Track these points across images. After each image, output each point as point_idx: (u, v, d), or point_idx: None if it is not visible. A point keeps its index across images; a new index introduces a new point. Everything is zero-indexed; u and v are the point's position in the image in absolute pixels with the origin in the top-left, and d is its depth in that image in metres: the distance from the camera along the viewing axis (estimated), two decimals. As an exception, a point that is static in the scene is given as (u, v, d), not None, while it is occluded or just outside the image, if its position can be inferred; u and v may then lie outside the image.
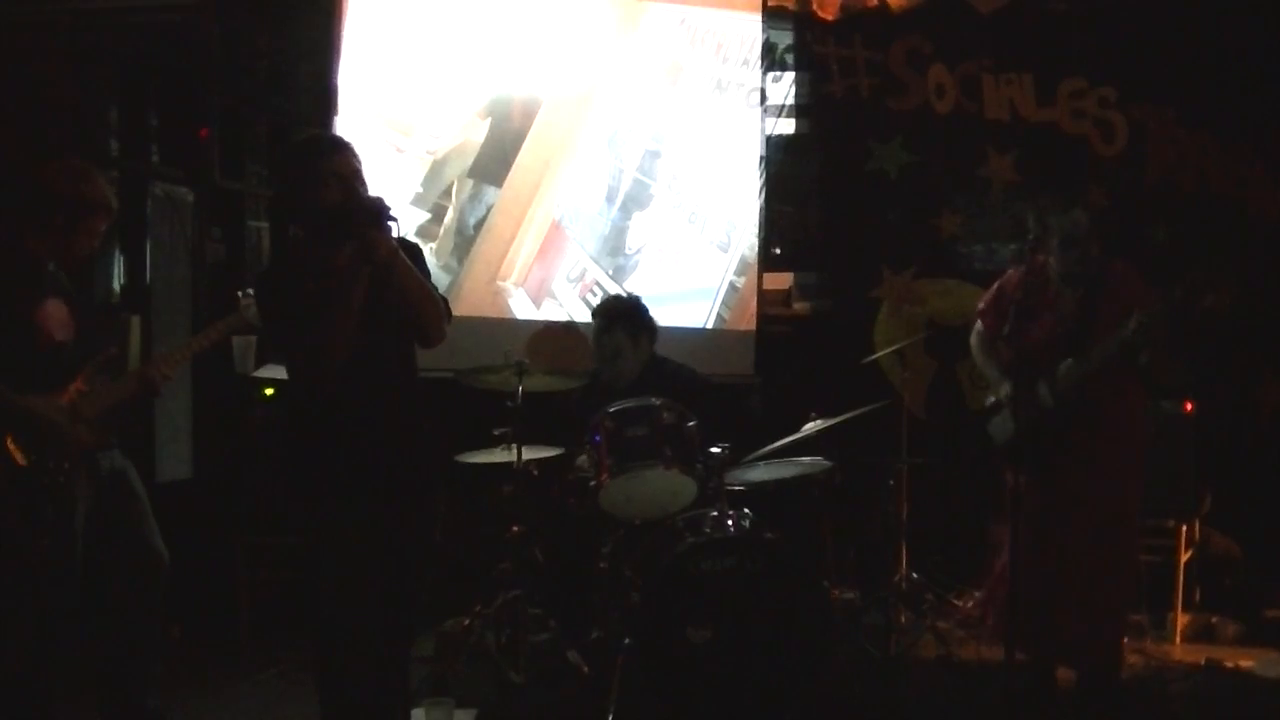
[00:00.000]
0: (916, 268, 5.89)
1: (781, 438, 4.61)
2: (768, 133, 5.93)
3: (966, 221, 5.87)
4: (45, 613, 3.47)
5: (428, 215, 5.82)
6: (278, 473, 4.77)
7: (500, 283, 5.85)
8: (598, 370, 4.77)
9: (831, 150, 6.07)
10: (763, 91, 5.90)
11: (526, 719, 4.17)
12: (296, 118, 5.86)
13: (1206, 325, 5.07)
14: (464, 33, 5.78)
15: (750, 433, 4.79)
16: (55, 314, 3.53)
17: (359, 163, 3.01)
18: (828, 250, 6.12)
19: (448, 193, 5.84)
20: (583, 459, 4.39)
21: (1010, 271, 4.29)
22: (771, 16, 5.91)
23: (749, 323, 5.88)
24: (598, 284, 5.81)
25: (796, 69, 6.02)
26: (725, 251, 5.88)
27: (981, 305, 4.37)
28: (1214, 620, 5.12)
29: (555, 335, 5.61)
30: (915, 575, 5.01)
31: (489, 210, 5.85)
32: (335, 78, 5.71)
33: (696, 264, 5.88)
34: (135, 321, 5.14)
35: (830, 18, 5.88)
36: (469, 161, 5.84)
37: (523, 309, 5.85)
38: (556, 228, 5.88)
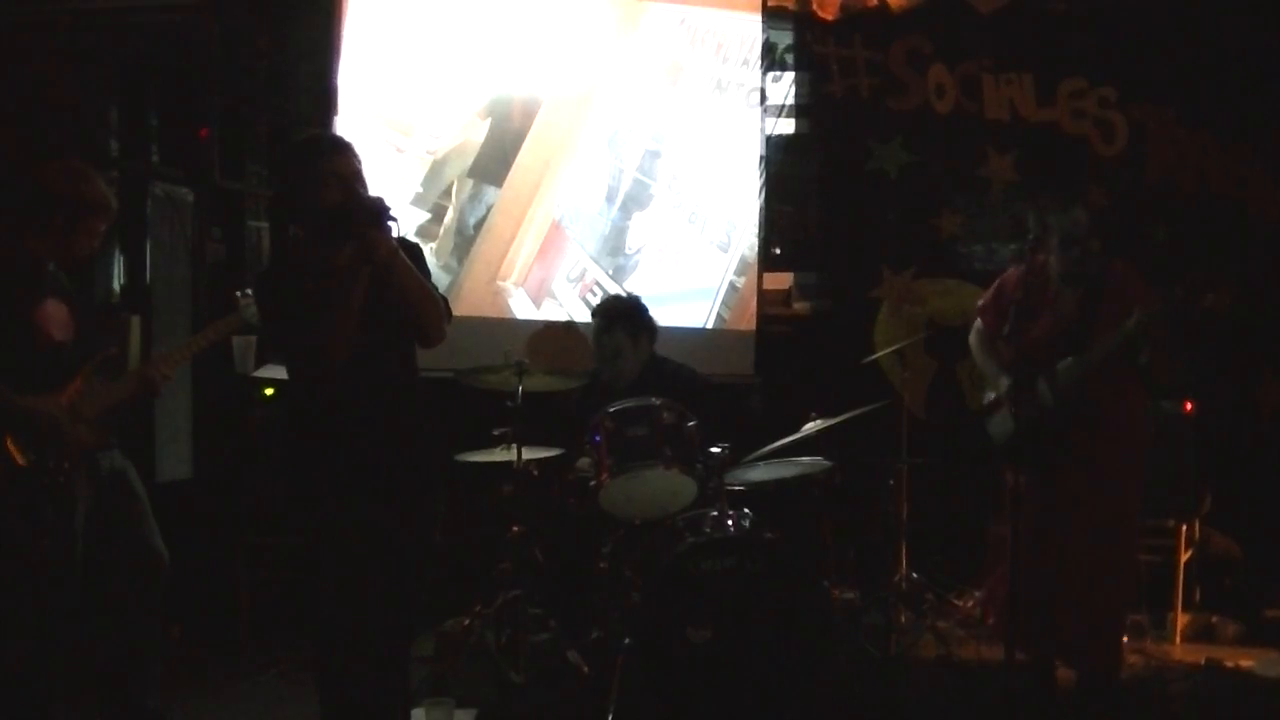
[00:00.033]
0: (916, 268, 5.89)
1: (781, 438, 4.61)
2: (768, 133, 5.93)
3: (966, 221, 5.87)
4: (45, 613, 3.47)
5: (428, 215, 5.82)
6: (278, 473, 4.77)
7: (500, 283, 5.85)
8: (598, 370, 4.77)
9: (831, 150, 6.06)
10: (763, 91, 5.90)
11: (526, 719, 4.17)
12: (296, 118, 5.87)
13: (1206, 325, 5.06)
14: (464, 33, 5.78)
15: (750, 433, 4.78)
16: (55, 314, 3.53)
17: (359, 163, 3.01)
18: (828, 250, 6.12)
19: (448, 193, 5.84)
20: (584, 460, 4.38)
21: (1010, 270, 4.29)
22: (771, 16, 5.91)
23: (749, 323, 5.88)
24: (598, 284, 5.81)
25: (796, 69, 6.02)
26: (725, 251, 5.88)
27: (981, 303, 4.38)
28: (1214, 620, 5.12)
29: (555, 335, 5.61)
30: (915, 575, 5.01)
31: (489, 210, 5.85)
32: (335, 78, 5.72)
33: (696, 264, 5.88)
34: (135, 321, 5.14)
35: (830, 18, 5.88)
36: (469, 161, 5.84)
37: (523, 309, 5.85)
38: (556, 228, 5.88)
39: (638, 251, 5.88)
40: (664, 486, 4.12)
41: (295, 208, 3.04)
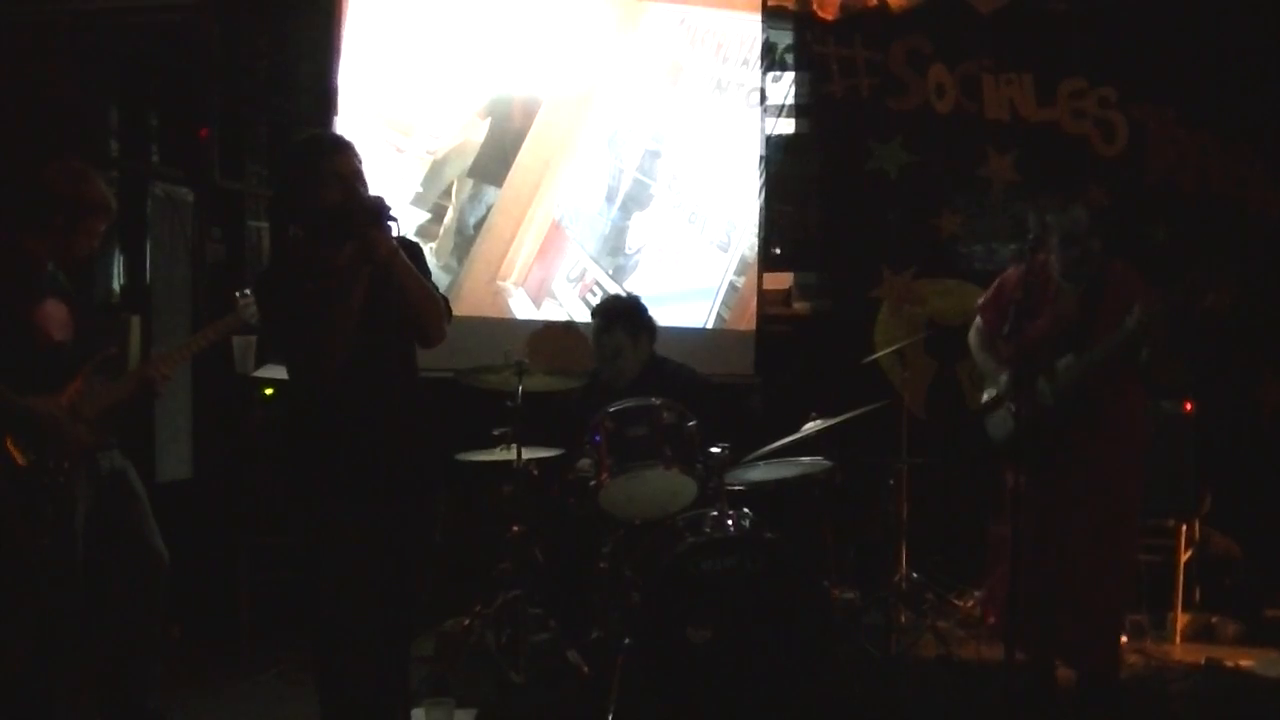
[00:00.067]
0: (916, 268, 5.89)
1: (781, 438, 4.61)
2: (768, 132, 5.93)
3: (966, 221, 5.87)
4: (45, 613, 3.47)
5: (428, 215, 5.82)
6: (278, 473, 4.76)
7: (500, 283, 5.85)
8: (598, 370, 4.77)
9: (831, 150, 6.06)
10: (763, 91, 5.90)
11: (526, 719, 4.17)
12: (296, 118, 5.86)
13: (1206, 325, 5.07)
14: (464, 33, 5.78)
15: (750, 433, 4.79)
16: (54, 314, 3.53)
17: (359, 162, 3.01)
18: (828, 250, 6.12)
19: (448, 193, 5.84)
20: (584, 461, 4.38)
21: (1010, 270, 4.29)
22: (771, 16, 5.91)
23: (749, 323, 5.88)
24: (598, 284, 5.81)
25: (796, 69, 6.02)
26: (725, 251, 5.88)
27: (981, 301, 4.38)
28: (1214, 620, 5.12)
29: (555, 335, 5.61)
30: (915, 575, 5.02)
31: (489, 210, 5.85)
32: (335, 78, 5.71)
33: (696, 264, 5.88)
34: (135, 321, 5.14)
35: (830, 18, 5.88)
36: (469, 161, 5.84)
37: (523, 309, 5.85)
38: (556, 228, 5.88)
39: (638, 251, 5.88)
40: (664, 486, 4.12)
41: (295, 207, 3.04)
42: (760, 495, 4.45)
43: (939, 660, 4.64)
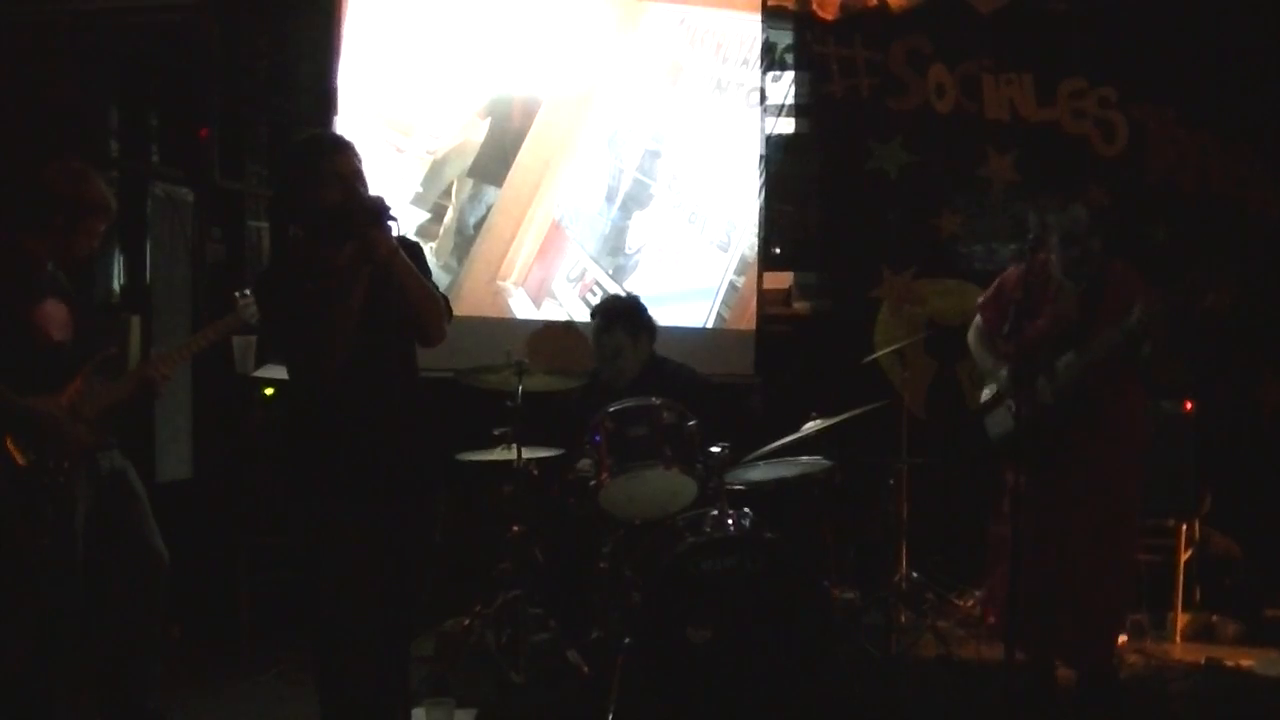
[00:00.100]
0: (916, 268, 5.88)
1: (781, 437, 4.61)
2: (767, 132, 5.93)
3: (966, 221, 5.87)
4: (45, 613, 3.47)
5: (428, 215, 5.82)
6: (278, 473, 4.76)
7: (500, 282, 5.85)
8: (597, 370, 4.77)
9: (831, 150, 6.06)
10: (762, 91, 5.90)
11: (526, 719, 4.17)
12: (296, 118, 5.86)
13: (1206, 325, 5.07)
14: (464, 33, 5.78)
15: (750, 432, 4.79)
16: (54, 314, 3.53)
17: (360, 162, 3.01)
18: (828, 250, 6.12)
19: (448, 192, 5.84)
20: (585, 461, 4.38)
21: (1010, 269, 4.29)
22: (771, 16, 5.91)
23: (749, 322, 5.88)
24: (598, 284, 5.81)
25: (796, 69, 6.02)
26: (725, 251, 5.88)
27: (982, 300, 4.39)
28: (1214, 619, 5.12)
29: (555, 335, 5.61)
30: (915, 575, 5.02)
31: (489, 210, 5.85)
32: (335, 78, 5.72)
33: (696, 264, 5.88)
34: (135, 321, 5.14)
35: (830, 17, 5.88)
36: (469, 161, 5.84)
37: (523, 309, 5.85)
38: (556, 227, 5.88)
39: (638, 251, 5.88)
40: (664, 486, 4.12)
41: (295, 207, 3.04)
42: (760, 495, 4.45)
43: (939, 660, 4.64)
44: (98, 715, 3.71)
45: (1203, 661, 4.71)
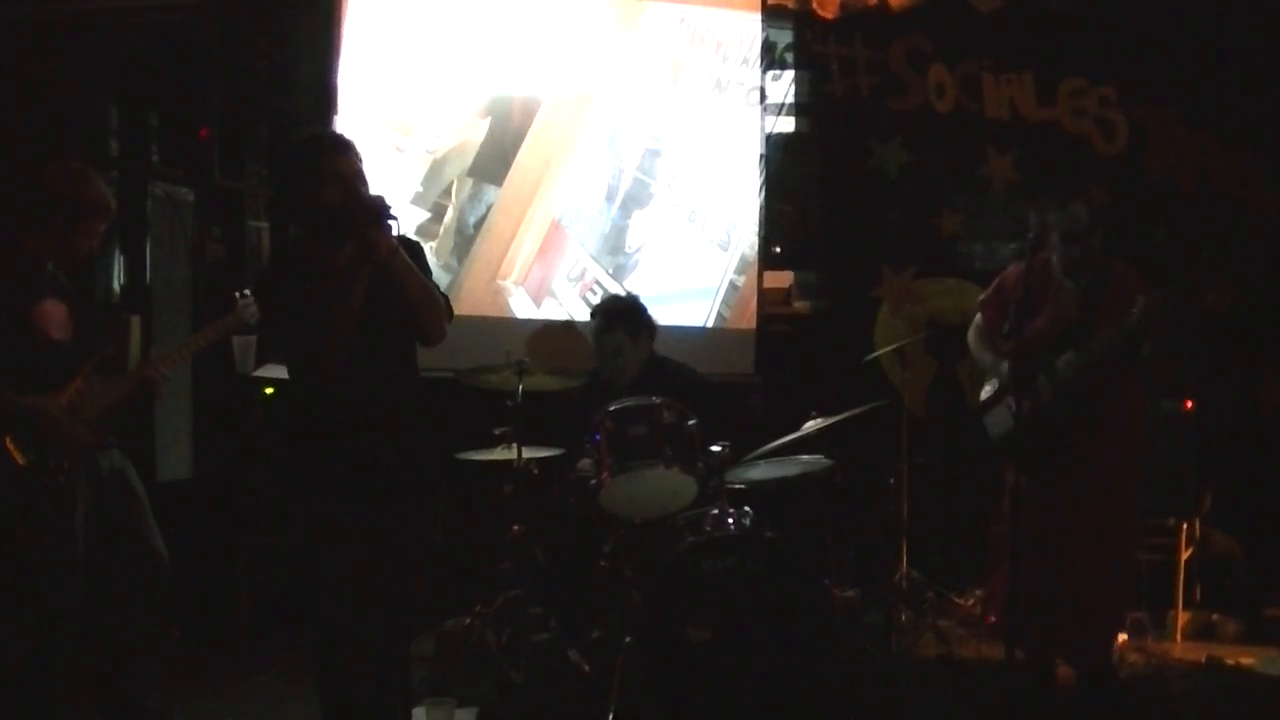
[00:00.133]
0: (916, 267, 5.89)
1: (781, 437, 4.61)
2: (767, 131, 5.93)
3: (966, 221, 5.87)
4: (45, 613, 3.47)
5: (428, 214, 5.82)
6: (278, 473, 4.77)
7: (500, 282, 5.85)
8: (598, 370, 4.77)
9: (831, 150, 6.06)
10: (762, 90, 5.90)
11: (526, 719, 4.17)
12: (296, 118, 5.86)
13: (1206, 325, 5.07)
14: (464, 33, 5.78)
15: (750, 432, 4.78)
16: (54, 314, 3.54)
17: (360, 162, 3.01)
18: (828, 249, 6.12)
19: (448, 192, 5.84)
20: (585, 461, 4.38)
21: (1011, 268, 4.29)
22: (771, 15, 5.91)
23: (749, 322, 5.88)
24: (598, 283, 5.81)
25: (796, 68, 6.02)
26: (725, 250, 5.88)
27: (982, 299, 4.39)
28: (1214, 618, 5.12)
29: (555, 335, 5.60)
30: (916, 574, 5.02)
31: (489, 209, 5.85)
32: (335, 78, 5.71)
33: (696, 263, 5.88)
34: (135, 321, 5.14)
35: (830, 16, 5.88)
36: (469, 161, 5.84)
37: (523, 308, 5.85)
38: (556, 227, 5.88)
39: (638, 250, 5.88)
40: (664, 486, 4.12)
41: (295, 207, 3.04)
42: (760, 494, 4.45)
43: (939, 660, 4.64)
44: (98, 715, 3.71)
45: (1203, 660, 4.71)
